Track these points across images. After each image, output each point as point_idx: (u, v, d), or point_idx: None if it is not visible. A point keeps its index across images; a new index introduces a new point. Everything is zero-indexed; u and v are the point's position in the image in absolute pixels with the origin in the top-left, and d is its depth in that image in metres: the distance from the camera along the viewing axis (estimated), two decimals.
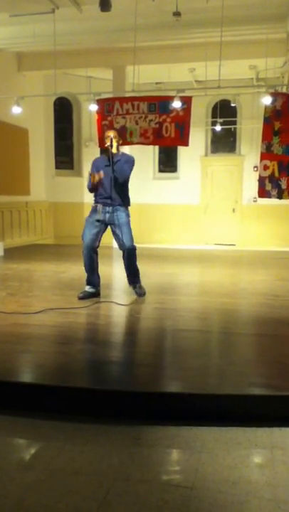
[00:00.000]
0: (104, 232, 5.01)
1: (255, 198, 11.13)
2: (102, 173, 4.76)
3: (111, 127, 7.80)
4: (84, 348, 3.52)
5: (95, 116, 8.18)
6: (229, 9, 7.05)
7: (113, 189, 4.85)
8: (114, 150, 4.91)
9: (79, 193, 11.97)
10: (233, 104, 11.66)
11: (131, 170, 4.97)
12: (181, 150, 12.01)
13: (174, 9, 6.96)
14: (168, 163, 12.78)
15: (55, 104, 11.63)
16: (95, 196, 5.00)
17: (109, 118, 7.90)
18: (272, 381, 2.92)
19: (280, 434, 2.49)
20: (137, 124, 7.66)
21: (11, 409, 2.73)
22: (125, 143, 7.90)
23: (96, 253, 5.02)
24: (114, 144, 4.92)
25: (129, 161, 4.98)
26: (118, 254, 9.61)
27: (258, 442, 2.42)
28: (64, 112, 12.02)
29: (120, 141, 5.12)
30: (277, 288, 5.83)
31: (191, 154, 11.76)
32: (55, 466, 2.22)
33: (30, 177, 10.67)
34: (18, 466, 2.24)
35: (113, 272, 7.76)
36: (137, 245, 5.10)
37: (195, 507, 1.93)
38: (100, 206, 4.92)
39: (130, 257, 5.02)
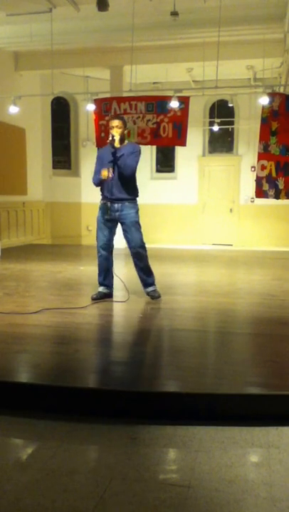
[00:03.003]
0: (116, 228, 4.86)
1: (252, 198, 11.15)
2: (111, 170, 4.51)
3: (108, 127, 7.80)
4: (81, 348, 3.51)
5: (93, 116, 8.18)
6: (227, 9, 7.08)
7: (119, 185, 4.60)
8: (116, 144, 4.56)
9: (76, 193, 11.97)
10: (230, 104, 11.69)
11: (137, 161, 4.63)
12: (179, 150, 12.02)
13: (172, 9, 6.97)
14: (165, 163, 12.78)
15: (52, 103, 11.61)
16: (102, 192, 4.75)
17: (106, 118, 7.88)
18: (268, 380, 2.93)
19: (276, 433, 2.50)
20: (134, 123, 7.65)
21: (8, 408, 2.73)
22: None
23: (110, 253, 4.90)
24: (117, 138, 4.56)
25: (134, 152, 4.63)
26: (114, 255, 9.58)
27: (254, 441, 2.43)
28: (61, 111, 12.01)
29: (127, 130, 4.72)
30: (273, 288, 5.84)
31: (189, 154, 11.77)
32: (51, 465, 2.22)
33: (28, 177, 10.65)
34: (15, 466, 2.24)
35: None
36: None
37: (191, 505, 1.94)
38: (108, 204, 4.69)
39: (138, 257, 4.81)
